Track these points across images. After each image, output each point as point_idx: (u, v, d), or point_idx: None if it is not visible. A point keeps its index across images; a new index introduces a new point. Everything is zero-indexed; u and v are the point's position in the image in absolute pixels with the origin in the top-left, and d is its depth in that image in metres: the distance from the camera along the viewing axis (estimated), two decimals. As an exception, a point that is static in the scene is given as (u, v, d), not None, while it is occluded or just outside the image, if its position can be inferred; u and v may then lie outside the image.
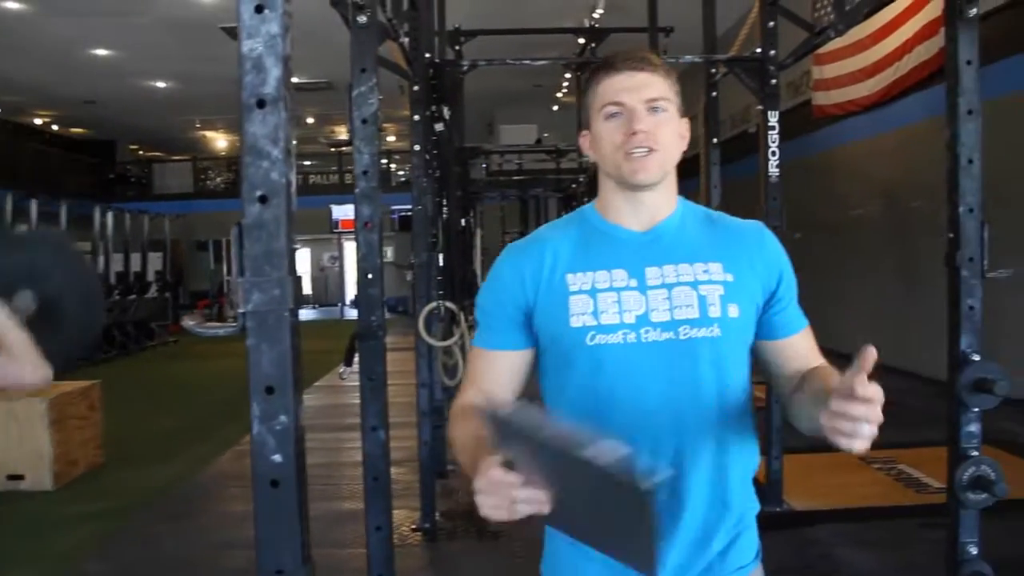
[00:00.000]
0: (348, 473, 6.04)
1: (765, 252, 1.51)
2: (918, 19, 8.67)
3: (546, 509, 1.10)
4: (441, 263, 4.80)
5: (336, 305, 24.81)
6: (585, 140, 1.53)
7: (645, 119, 1.42)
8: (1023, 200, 7.49)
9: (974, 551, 2.95)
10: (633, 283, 1.43)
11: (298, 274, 1.26)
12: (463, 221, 8.36)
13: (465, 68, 4.71)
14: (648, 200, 1.48)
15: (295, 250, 1.26)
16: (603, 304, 1.42)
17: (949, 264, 2.90)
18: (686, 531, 1.43)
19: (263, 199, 1.20)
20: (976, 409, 2.88)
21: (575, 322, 1.42)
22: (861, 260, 10.47)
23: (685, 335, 1.41)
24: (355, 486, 5.72)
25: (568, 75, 14.96)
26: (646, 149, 1.41)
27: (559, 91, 17.75)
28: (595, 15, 12.57)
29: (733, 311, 1.44)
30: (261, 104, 1.20)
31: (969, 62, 2.81)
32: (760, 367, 1.55)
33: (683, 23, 8.39)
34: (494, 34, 11.24)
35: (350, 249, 25.02)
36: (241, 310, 1.20)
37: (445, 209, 7.72)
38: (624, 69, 1.45)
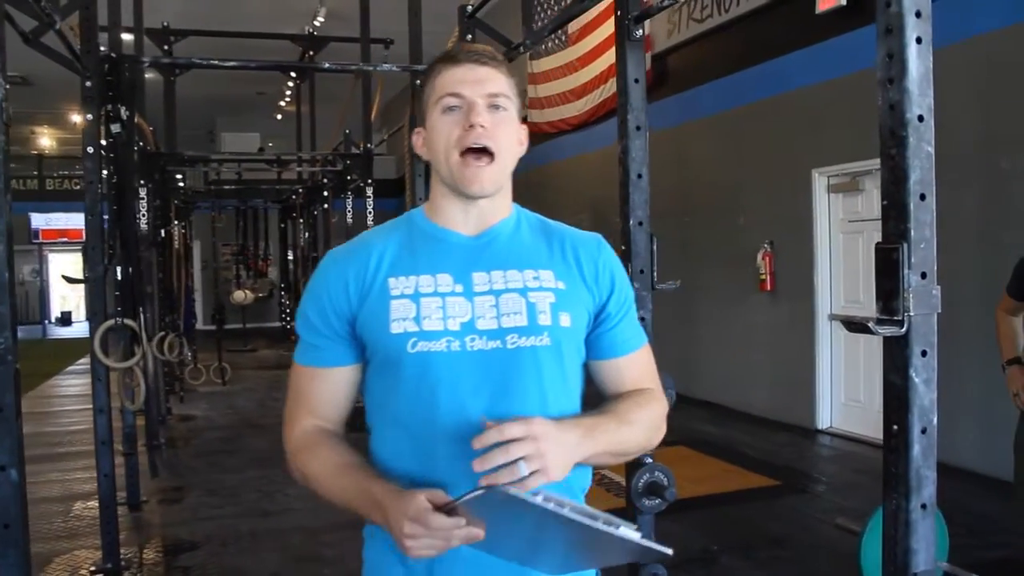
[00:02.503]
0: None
1: (599, 265, 1.44)
2: (620, 45, 9.18)
3: (481, 536, 1.16)
4: (120, 276, 4.36)
5: (39, 323, 22.60)
6: (419, 138, 1.44)
7: (484, 114, 1.35)
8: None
9: (650, 555, 3.03)
10: (459, 288, 1.35)
11: None
12: (163, 232, 7.78)
13: (147, 63, 4.32)
14: (482, 205, 1.41)
15: None
16: (426, 309, 1.33)
17: (622, 276, 2.97)
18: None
19: None
20: (648, 417, 2.97)
21: (395, 328, 1.32)
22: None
23: (513, 344, 1.33)
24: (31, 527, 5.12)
25: (291, 84, 14.52)
26: (483, 148, 1.34)
27: (283, 99, 17.20)
28: (316, 22, 12.30)
29: (564, 320, 1.37)
30: None
31: (637, 80, 2.89)
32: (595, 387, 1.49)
33: (404, 36, 8.34)
34: (206, 35, 10.67)
35: (55, 261, 22.97)
36: None
37: (142, 219, 7.16)
38: (466, 61, 1.38)
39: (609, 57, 9.50)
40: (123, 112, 4.27)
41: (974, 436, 5.53)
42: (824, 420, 7.17)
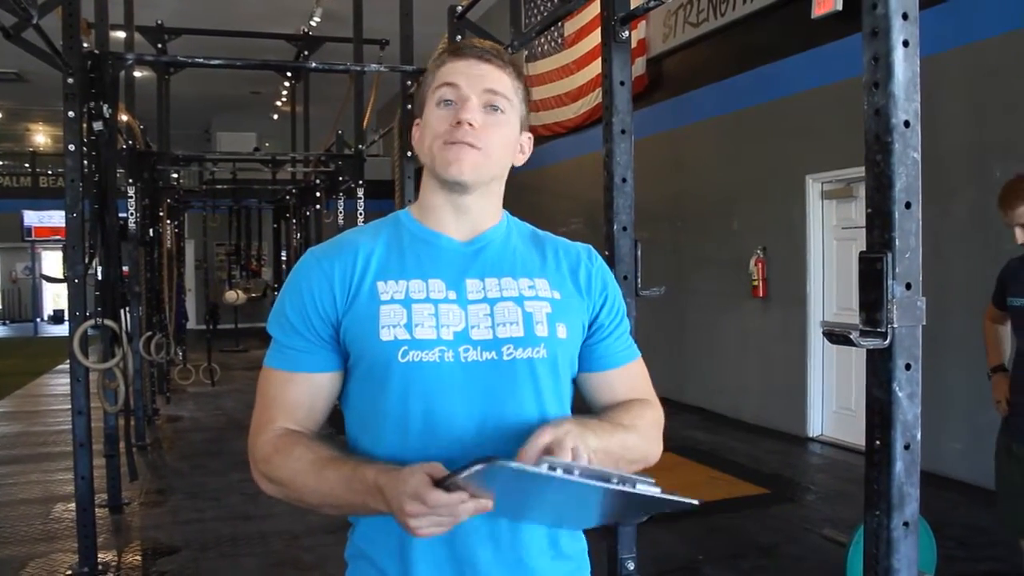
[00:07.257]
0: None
1: (591, 275, 1.39)
2: (616, 48, 9.14)
3: (490, 507, 1.09)
4: (101, 276, 4.31)
5: (31, 320, 22.52)
6: (417, 130, 1.36)
7: (476, 112, 1.27)
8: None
9: (631, 566, 2.97)
10: (452, 295, 1.28)
11: None
12: (152, 231, 7.72)
13: (130, 61, 4.26)
14: (471, 206, 1.33)
15: None
16: (418, 316, 1.24)
17: (606, 282, 2.91)
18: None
19: None
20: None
21: (385, 335, 1.23)
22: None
23: (509, 355, 1.26)
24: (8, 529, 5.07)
25: (287, 84, 14.46)
26: (466, 145, 1.26)
27: (279, 99, 17.14)
28: (312, 22, 12.24)
29: (561, 331, 1.30)
30: None
31: (623, 83, 2.84)
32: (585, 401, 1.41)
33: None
34: (200, 34, 10.59)
35: (49, 259, 22.87)
36: None
37: (131, 217, 7.11)
38: (470, 56, 1.31)
39: (604, 60, 9.47)
40: (105, 110, 4.20)
41: (962, 446, 5.47)
42: (815, 428, 7.11)
